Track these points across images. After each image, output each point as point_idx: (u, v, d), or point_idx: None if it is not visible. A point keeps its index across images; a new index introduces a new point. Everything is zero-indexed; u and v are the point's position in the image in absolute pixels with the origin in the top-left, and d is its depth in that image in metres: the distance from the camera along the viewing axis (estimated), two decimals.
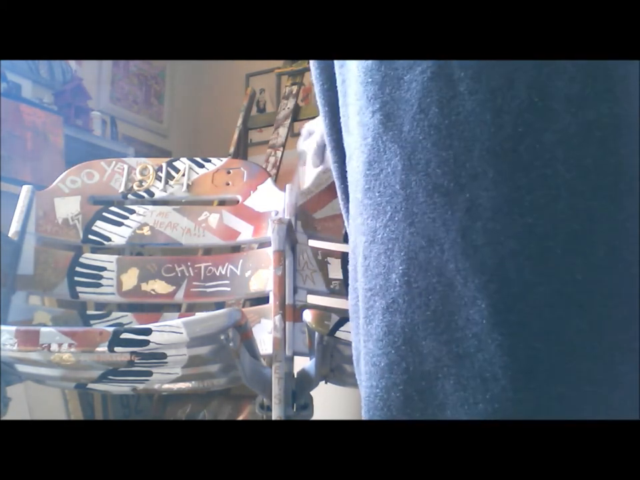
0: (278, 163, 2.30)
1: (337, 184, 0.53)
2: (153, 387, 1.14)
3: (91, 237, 1.34)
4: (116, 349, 0.82)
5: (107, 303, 1.47)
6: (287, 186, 1.34)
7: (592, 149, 0.36)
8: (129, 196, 1.38)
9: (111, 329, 0.83)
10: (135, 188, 1.39)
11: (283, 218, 1.18)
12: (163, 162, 1.42)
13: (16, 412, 1.32)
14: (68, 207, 1.36)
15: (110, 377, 0.98)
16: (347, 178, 0.49)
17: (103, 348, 0.82)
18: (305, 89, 2.92)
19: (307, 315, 0.95)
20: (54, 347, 0.82)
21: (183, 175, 1.40)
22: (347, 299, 1.35)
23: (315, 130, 0.84)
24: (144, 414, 2.24)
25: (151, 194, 1.39)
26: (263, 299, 1.27)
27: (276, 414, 0.97)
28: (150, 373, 0.98)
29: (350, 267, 0.49)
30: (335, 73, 0.50)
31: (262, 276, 1.27)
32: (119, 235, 1.35)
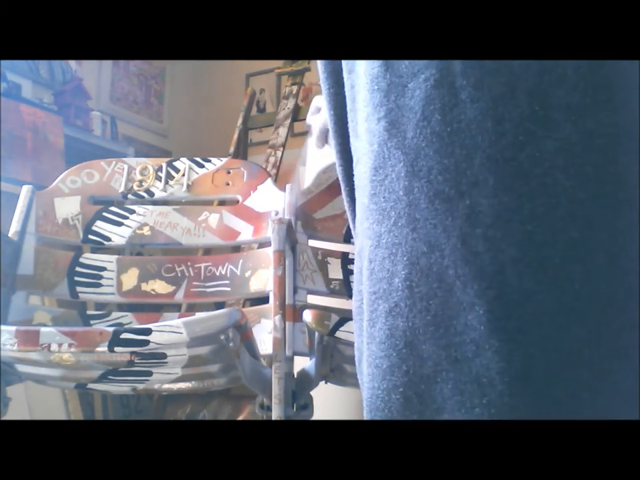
0: (278, 163, 2.30)
1: (342, 186, 0.53)
2: (153, 387, 1.14)
3: (90, 237, 1.34)
4: (116, 349, 0.82)
5: (107, 302, 1.47)
6: (287, 186, 1.34)
7: (592, 157, 0.36)
8: (129, 196, 1.38)
9: (111, 329, 0.83)
10: (135, 188, 1.39)
11: (282, 218, 1.18)
12: (163, 162, 1.42)
13: (16, 412, 1.31)
14: (68, 207, 1.36)
15: (110, 377, 0.98)
16: (352, 181, 0.49)
17: (103, 348, 0.82)
18: (305, 89, 2.92)
19: (307, 315, 0.95)
20: (54, 347, 0.82)
21: (183, 175, 1.40)
22: (347, 299, 1.35)
23: (322, 108, 0.84)
24: (144, 414, 2.24)
25: (151, 194, 1.39)
26: (263, 299, 1.27)
27: (276, 414, 0.97)
28: (150, 373, 0.98)
29: (355, 270, 0.49)
30: (342, 77, 0.50)
31: (262, 276, 1.27)
32: (118, 235, 1.35)
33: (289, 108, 2.39)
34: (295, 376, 1.06)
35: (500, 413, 0.35)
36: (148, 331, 0.82)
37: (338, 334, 0.93)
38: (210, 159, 1.42)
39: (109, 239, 1.35)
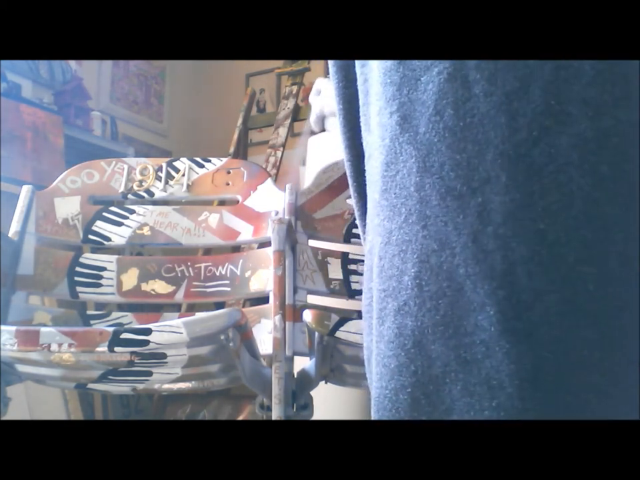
0: (278, 163, 2.30)
1: (350, 182, 0.53)
2: (153, 387, 1.14)
3: (91, 237, 1.34)
4: (116, 348, 0.82)
5: (107, 302, 1.47)
6: (287, 186, 1.34)
7: (608, 155, 0.35)
8: (129, 196, 1.38)
9: (111, 329, 0.83)
10: (135, 188, 1.39)
11: (282, 218, 1.18)
12: (163, 162, 1.42)
13: (16, 412, 1.31)
14: (68, 207, 1.36)
15: (110, 377, 0.98)
16: (361, 176, 0.49)
17: (103, 348, 0.82)
18: (305, 89, 2.91)
19: (307, 315, 0.95)
20: (54, 347, 0.82)
21: (183, 175, 1.40)
22: (347, 299, 1.35)
23: (322, 90, 0.83)
24: (144, 414, 2.24)
25: (151, 194, 1.39)
26: (263, 299, 1.27)
27: (276, 414, 0.97)
28: (150, 373, 0.98)
29: (365, 267, 0.48)
30: (353, 72, 0.49)
31: (262, 276, 1.27)
32: (118, 235, 1.35)
33: (288, 108, 2.39)
34: (295, 376, 1.06)
35: (509, 416, 0.35)
36: (148, 331, 0.82)
37: (338, 334, 0.93)
38: (210, 158, 1.42)
39: (108, 239, 1.35)
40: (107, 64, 2.88)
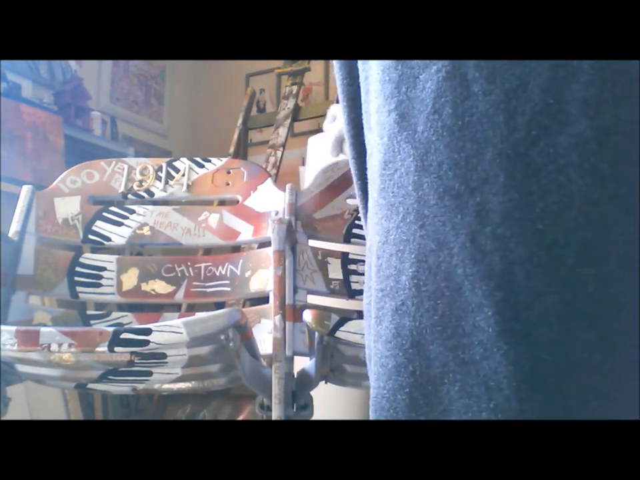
0: (278, 163, 2.30)
1: (355, 180, 0.52)
2: (153, 387, 1.14)
3: (91, 237, 1.34)
4: (116, 349, 0.82)
5: (107, 302, 1.47)
6: (287, 186, 1.35)
7: (608, 155, 0.34)
8: (129, 196, 1.38)
9: (111, 329, 0.83)
10: (135, 188, 1.39)
11: (282, 218, 1.18)
12: (163, 162, 1.42)
13: (16, 412, 1.32)
14: (68, 207, 1.36)
15: (110, 377, 0.98)
16: (364, 174, 0.48)
17: (103, 348, 0.82)
18: (305, 89, 2.92)
19: (307, 315, 0.95)
20: (54, 347, 0.82)
21: (183, 175, 1.40)
22: (347, 299, 1.34)
23: (337, 116, 0.83)
24: (144, 414, 2.24)
25: (151, 194, 1.39)
26: (263, 299, 1.27)
27: (276, 414, 0.97)
28: (150, 373, 0.98)
29: (366, 267, 0.48)
30: (356, 69, 0.49)
31: (262, 276, 1.27)
32: (118, 235, 1.35)
33: (289, 108, 2.39)
34: (295, 376, 1.06)
35: (507, 417, 0.35)
36: (148, 331, 0.82)
37: (338, 334, 0.93)
38: (210, 159, 1.42)
39: (109, 239, 1.35)
40: (107, 64, 2.88)
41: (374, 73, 0.44)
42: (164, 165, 1.41)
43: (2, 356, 0.87)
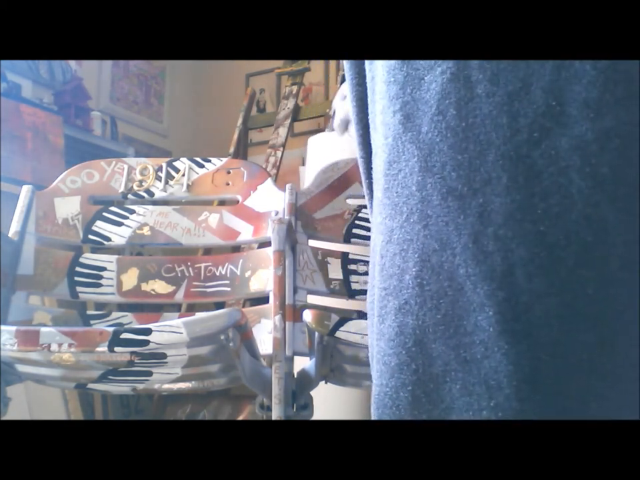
0: (278, 163, 2.30)
1: (363, 178, 0.53)
2: (153, 387, 1.14)
3: (91, 237, 1.34)
4: (116, 349, 0.82)
5: (107, 302, 1.47)
6: (287, 186, 1.35)
7: (609, 157, 0.34)
8: (129, 196, 1.38)
9: (111, 329, 0.83)
10: (135, 188, 1.39)
11: (282, 218, 1.18)
12: (163, 162, 1.42)
13: (16, 412, 1.31)
14: (68, 207, 1.36)
15: (110, 377, 0.98)
16: (372, 173, 0.48)
17: (103, 348, 0.82)
18: (305, 89, 2.92)
19: (307, 315, 0.95)
20: (54, 347, 0.82)
21: (183, 175, 1.40)
22: (347, 299, 1.34)
23: (347, 95, 0.83)
24: (144, 414, 2.24)
25: (151, 194, 1.39)
26: (263, 299, 1.27)
27: (276, 414, 0.97)
28: (150, 373, 0.98)
29: (370, 266, 0.48)
30: (364, 69, 0.49)
31: (262, 276, 1.27)
32: (118, 235, 1.35)
33: (288, 108, 2.39)
34: (295, 376, 1.06)
35: (507, 416, 0.35)
36: (148, 331, 0.82)
37: (338, 334, 0.93)
38: (210, 159, 1.42)
39: (109, 239, 1.35)
40: (107, 64, 2.88)
41: (379, 74, 0.44)
42: (164, 165, 1.41)
43: (2, 356, 0.87)
